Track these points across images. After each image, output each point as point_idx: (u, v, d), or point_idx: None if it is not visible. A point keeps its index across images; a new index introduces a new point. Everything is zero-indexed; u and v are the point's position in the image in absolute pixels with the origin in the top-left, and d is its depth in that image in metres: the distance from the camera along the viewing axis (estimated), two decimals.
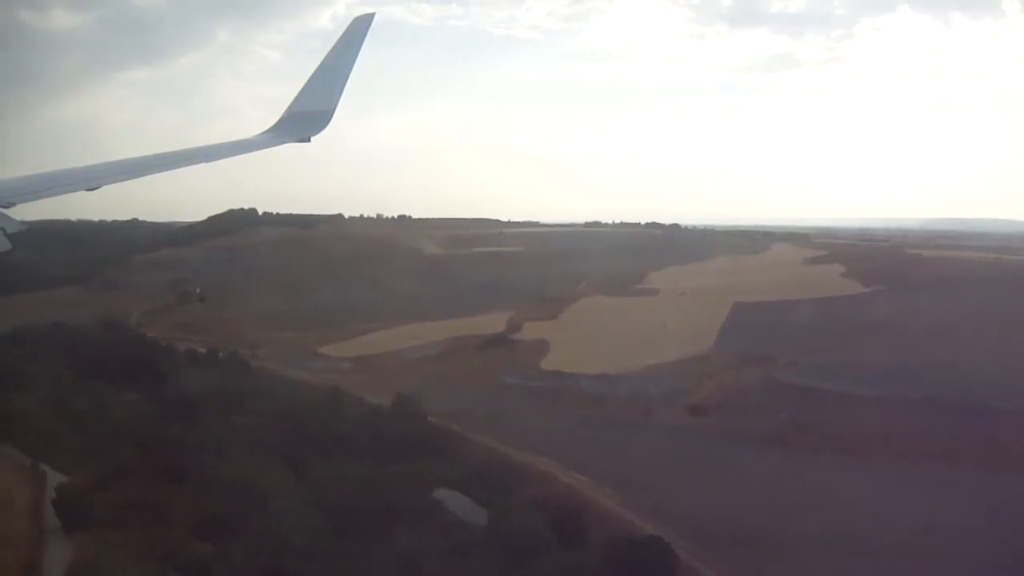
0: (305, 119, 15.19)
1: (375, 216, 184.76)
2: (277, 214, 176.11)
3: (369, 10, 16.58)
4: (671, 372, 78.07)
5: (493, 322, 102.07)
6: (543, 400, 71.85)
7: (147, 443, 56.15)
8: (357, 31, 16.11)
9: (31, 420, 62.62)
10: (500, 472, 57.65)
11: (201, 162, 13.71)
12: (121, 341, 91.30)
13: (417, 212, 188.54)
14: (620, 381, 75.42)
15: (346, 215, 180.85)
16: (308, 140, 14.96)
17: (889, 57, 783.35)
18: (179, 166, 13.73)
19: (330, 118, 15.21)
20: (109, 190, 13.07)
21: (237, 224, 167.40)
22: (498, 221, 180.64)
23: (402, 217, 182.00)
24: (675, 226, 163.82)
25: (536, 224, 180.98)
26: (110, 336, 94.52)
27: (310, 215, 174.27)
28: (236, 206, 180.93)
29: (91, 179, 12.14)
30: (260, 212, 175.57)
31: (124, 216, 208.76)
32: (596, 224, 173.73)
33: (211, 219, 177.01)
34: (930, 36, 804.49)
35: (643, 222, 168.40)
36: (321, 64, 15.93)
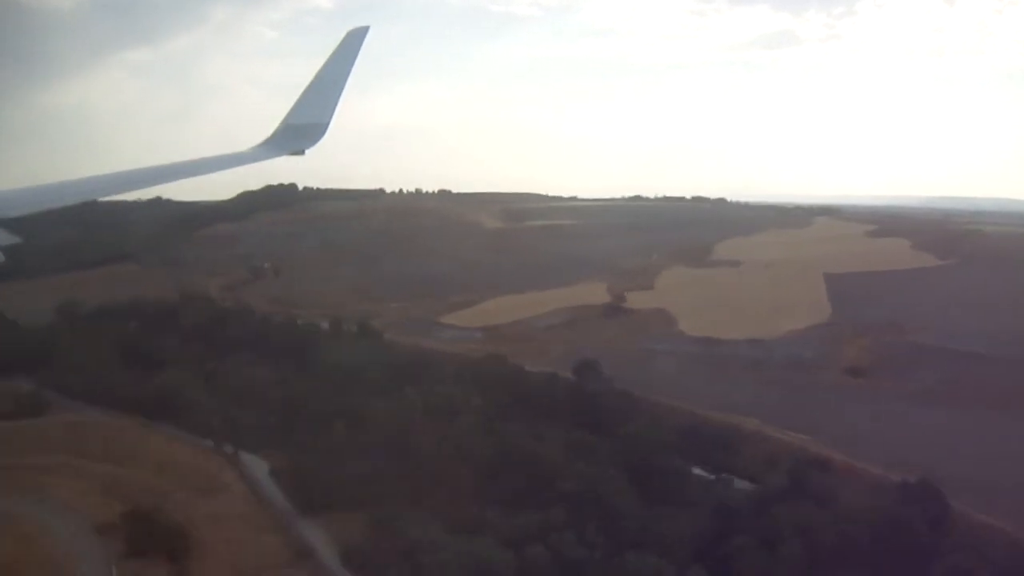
0: (300, 132, 15.16)
1: (413, 191, 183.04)
2: (318, 188, 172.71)
3: None
4: (811, 337, 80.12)
5: (592, 292, 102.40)
6: (700, 364, 73.07)
7: (346, 418, 55.41)
8: (351, 45, 16.05)
9: (191, 398, 61.53)
10: (714, 433, 58.80)
11: (196, 175, 13.66)
12: (236, 315, 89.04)
13: (457, 187, 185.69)
14: (772, 346, 77.43)
15: (387, 190, 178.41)
16: (303, 153, 14.93)
17: (890, 34, 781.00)
18: (174, 179, 13.78)
19: (325, 130, 15.14)
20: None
21: (282, 199, 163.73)
22: (540, 195, 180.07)
23: (443, 191, 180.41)
24: (721, 200, 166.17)
25: (576, 199, 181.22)
26: (225, 310, 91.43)
27: (352, 189, 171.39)
28: (274, 182, 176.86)
29: (84, 192, 12.27)
30: (300, 187, 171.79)
31: (147, 196, 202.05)
32: (638, 198, 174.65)
33: (247, 194, 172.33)
34: (932, 14, 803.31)
35: (688, 196, 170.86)
36: (316, 77, 15.87)
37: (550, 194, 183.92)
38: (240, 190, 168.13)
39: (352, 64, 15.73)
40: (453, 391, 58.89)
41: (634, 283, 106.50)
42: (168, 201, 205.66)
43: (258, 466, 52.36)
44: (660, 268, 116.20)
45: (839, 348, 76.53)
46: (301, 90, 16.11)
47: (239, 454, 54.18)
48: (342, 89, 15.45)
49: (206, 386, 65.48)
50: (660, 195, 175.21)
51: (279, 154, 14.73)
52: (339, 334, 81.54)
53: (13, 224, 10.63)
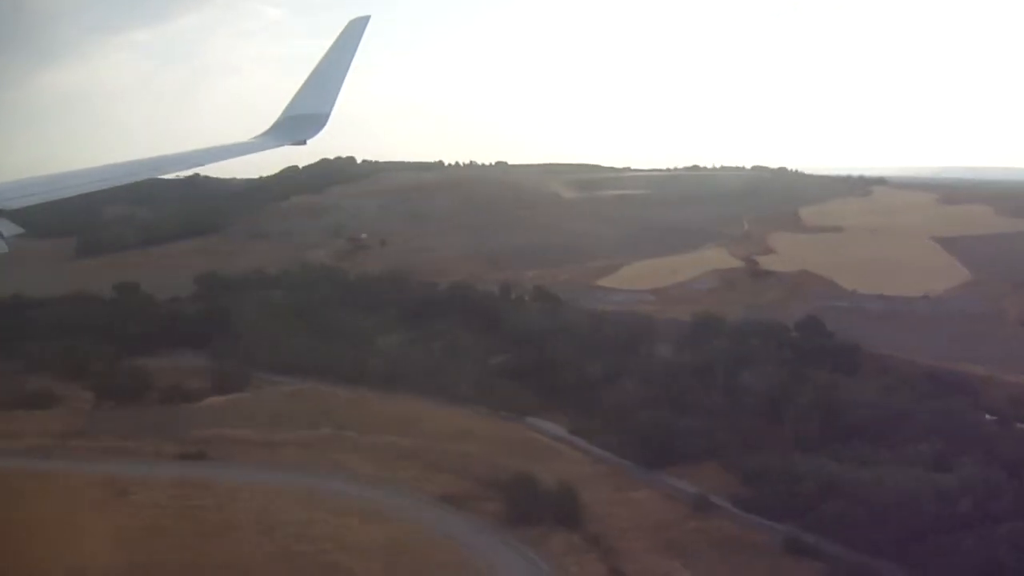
0: (301, 122, 15.12)
1: (468, 162, 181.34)
2: (376, 162, 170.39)
3: None
4: (972, 294, 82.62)
5: (718, 257, 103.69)
6: (890, 320, 74.97)
7: (606, 375, 54.95)
8: (352, 34, 16.07)
9: (424, 365, 59.96)
10: (955, 381, 60.89)
11: (199, 165, 14.03)
12: (394, 282, 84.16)
13: (513, 159, 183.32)
14: (941, 302, 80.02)
15: (445, 162, 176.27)
16: (304, 143, 14.92)
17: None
18: (176, 170, 14.06)
19: (326, 121, 15.10)
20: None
21: (344, 172, 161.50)
22: (594, 166, 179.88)
23: (499, 163, 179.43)
24: (783, 169, 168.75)
25: (630, 169, 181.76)
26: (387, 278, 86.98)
27: (410, 162, 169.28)
28: (329, 156, 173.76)
29: (87, 183, 12.20)
30: (359, 160, 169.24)
31: (184, 175, 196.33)
32: (696, 168, 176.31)
33: (306, 168, 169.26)
34: None
35: (747, 166, 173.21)
36: (316, 67, 15.85)
37: (603, 164, 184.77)
38: (284, 166, 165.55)
39: (353, 54, 15.75)
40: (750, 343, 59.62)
41: (752, 248, 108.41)
42: (206, 179, 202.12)
43: (550, 429, 51.25)
44: (763, 234, 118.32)
45: (1001, 303, 79.83)
46: (306, 69, 16.14)
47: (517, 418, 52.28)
48: (343, 79, 15.49)
49: (423, 352, 65.00)
50: (718, 165, 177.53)
51: (280, 144, 14.79)
52: (520, 299, 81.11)
53: (15, 214, 10.76)
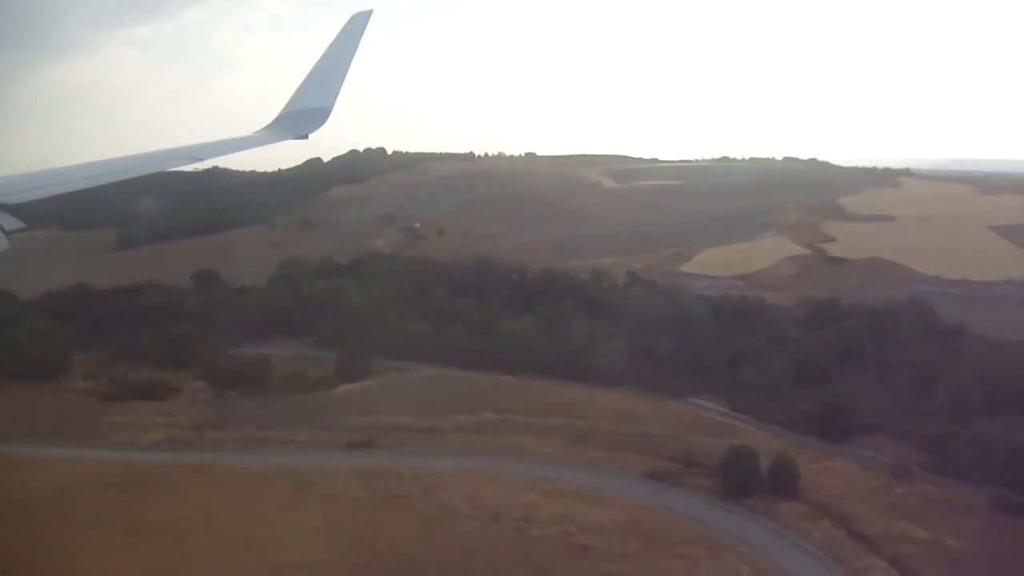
0: (303, 116, 15.09)
1: (496, 154, 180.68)
2: (407, 152, 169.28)
3: None
4: None
5: (785, 245, 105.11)
6: (980, 302, 76.50)
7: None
8: (355, 28, 16.03)
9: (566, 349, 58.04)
10: None
11: (201, 160, 13.81)
12: (487, 268, 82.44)
13: (541, 149, 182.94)
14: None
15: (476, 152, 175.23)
16: (306, 137, 14.81)
17: None
18: (177, 164, 13.90)
19: (328, 115, 15.05)
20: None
21: (377, 163, 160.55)
22: (625, 157, 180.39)
23: (528, 154, 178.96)
24: (813, 160, 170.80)
25: (657, 161, 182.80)
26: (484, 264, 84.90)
27: (442, 153, 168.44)
28: (358, 148, 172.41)
29: (88, 178, 12.20)
30: (389, 152, 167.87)
31: (203, 167, 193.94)
32: (726, 159, 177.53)
33: (336, 159, 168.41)
34: None
35: (778, 156, 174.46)
36: (319, 62, 15.85)
37: (631, 155, 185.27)
38: (305, 158, 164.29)
39: (356, 48, 15.66)
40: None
41: (811, 237, 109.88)
42: (226, 171, 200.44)
43: (712, 407, 50.59)
44: (815, 223, 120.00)
45: None
46: (310, 62, 16.10)
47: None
48: (345, 73, 15.42)
49: (546, 337, 61.41)
50: (746, 156, 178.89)
51: (283, 138, 14.63)
52: (613, 285, 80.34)
53: (16, 209, 10.67)
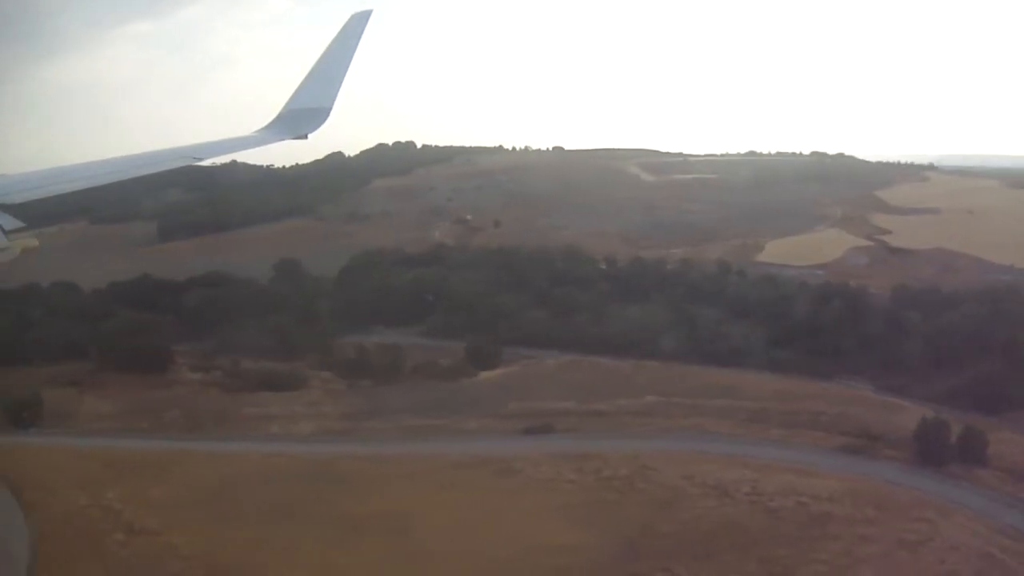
0: (303, 116, 15.20)
1: (524, 147, 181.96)
2: (436, 146, 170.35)
3: None
4: None
5: (843, 236, 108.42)
6: None
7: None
8: (354, 28, 16.14)
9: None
10: None
11: (198, 160, 13.99)
12: (579, 260, 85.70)
13: (568, 143, 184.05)
14: None
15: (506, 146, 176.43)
16: (305, 137, 14.96)
17: None
18: (176, 164, 13.98)
19: (327, 115, 15.16)
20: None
21: (410, 157, 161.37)
22: (650, 151, 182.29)
23: (556, 148, 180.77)
24: (841, 155, 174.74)
25: (683, 154, 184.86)
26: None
27: (469, 147, 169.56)
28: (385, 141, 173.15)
29: (87, 178, 12.33)
30: (419, 145, 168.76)
31: (221, 161, 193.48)
32: (753, 154, 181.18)
33: (364, 152, 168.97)
34: None
35: (805, 152, 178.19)
36: (318, 61, 15.96)
37: (658, 149, 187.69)
38: (324, 152, 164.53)
39: (355, 48, 15.78)
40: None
41: (865, 228, 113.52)
42: (244, 165, 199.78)
43: (863, 386, 53.03)
44: (862, 215, 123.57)
45: None
46: (309, 60, 16.28)
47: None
48: (345, 73, 15.55)
49: (669, 322, 63.59)
50: (774, 151, 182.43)
51: (282, 138, 14.79)
52: (711, 273, 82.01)
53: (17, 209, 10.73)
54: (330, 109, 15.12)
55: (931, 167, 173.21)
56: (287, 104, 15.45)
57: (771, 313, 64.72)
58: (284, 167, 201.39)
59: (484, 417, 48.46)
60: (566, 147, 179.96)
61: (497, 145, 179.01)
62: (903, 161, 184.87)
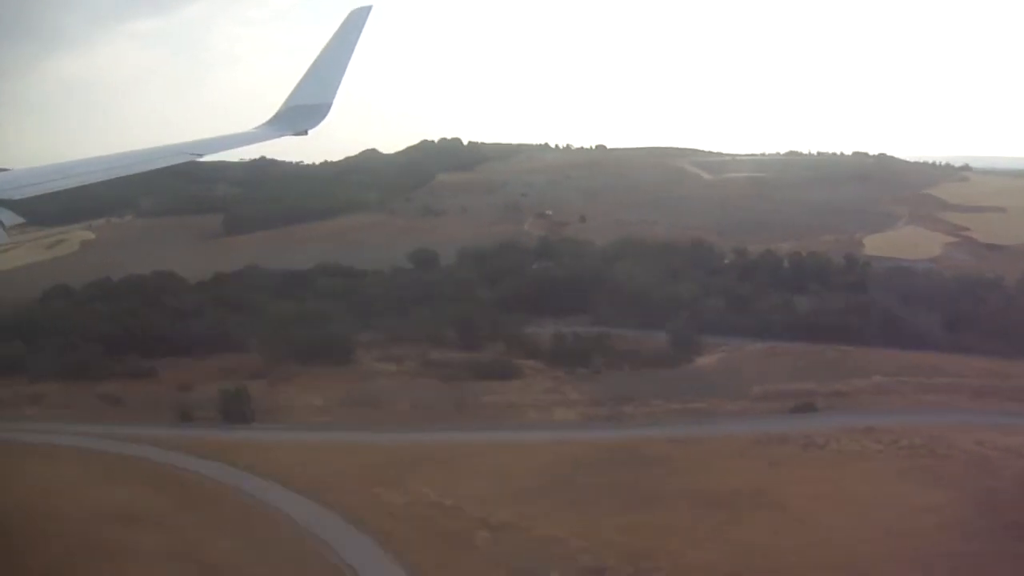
0: (303, 112, 15.41)
1: (564, 146, 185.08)
2: (481, 143, 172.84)
3: None
4: None
5: (923, 233, 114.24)
6: None
7: None
8: (354, 24, 16.31)
9: None
10: None
11: (199, 156, 14.30)
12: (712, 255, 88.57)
13: (612, 142, 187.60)
14: None
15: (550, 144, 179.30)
16: (305, 133, 15.21)
17: None
18: (177, 160, 14.30)
19: (327, 111, 15.38)
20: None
21: (466, 153, 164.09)
22: (694, 150, 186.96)
23: (599, 146, 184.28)
24: (883, 155, 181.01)
25: (721, 154, 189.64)
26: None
27: (515, 144, 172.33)
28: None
29: (87, 173, 12.56)
30: (465, 142, 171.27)
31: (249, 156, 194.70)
32: (794, 154, 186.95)
33: (413, 148, 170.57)
34: None
35: (848, 152, 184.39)
36: (318, 57, 16.18)
37: (700, 148, 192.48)
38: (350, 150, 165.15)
39: (355, 44, 16.00)
40: None
41: (940, 225, 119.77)
42: (272, 161, 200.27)
43: None
44: (928, 213, 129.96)
45: None
46: (310, 58, 16.62)
47: None
48: (344, 69, 15.81)
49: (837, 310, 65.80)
50: (815, 151, 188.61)
51: (282, 134, 15.10)
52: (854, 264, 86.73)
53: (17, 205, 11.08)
54: (330, 105, 15.28)
55: (966, 167, 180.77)
56: (287, 100, 15.70)
57: (937, 300, 68.84)
58: (314, 164, 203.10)
59: (737, 400, 50.91)
60: (608, 145, 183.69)
61: (543, 143, 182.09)
62: (937, 161, 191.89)
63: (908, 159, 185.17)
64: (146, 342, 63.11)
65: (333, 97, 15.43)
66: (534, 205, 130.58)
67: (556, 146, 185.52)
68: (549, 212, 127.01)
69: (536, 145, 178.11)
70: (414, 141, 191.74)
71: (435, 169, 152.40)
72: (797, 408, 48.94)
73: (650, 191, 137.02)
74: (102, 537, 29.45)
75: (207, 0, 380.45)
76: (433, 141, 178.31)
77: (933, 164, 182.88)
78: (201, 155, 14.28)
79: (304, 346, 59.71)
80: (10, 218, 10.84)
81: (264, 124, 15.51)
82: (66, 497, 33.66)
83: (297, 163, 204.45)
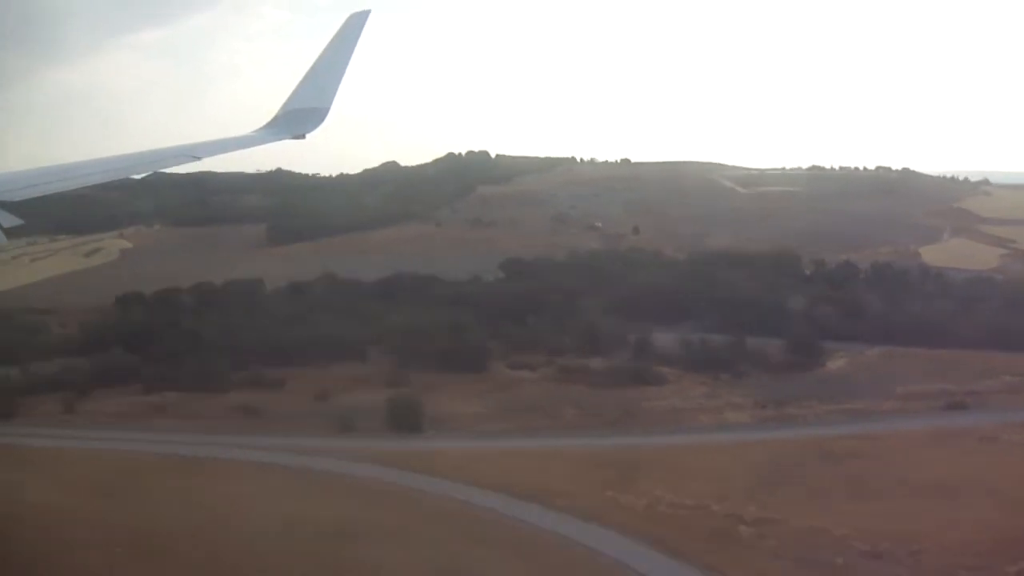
0: (300, 116, 15.59)
1: (588, 159, 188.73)
2: (510, 156, 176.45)
3: None
4: None
5: (972, 245, 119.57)
6: None
7: None
8: (352, 29, 16.57)
9: None
10: None
11: (197, 158, 14.24)
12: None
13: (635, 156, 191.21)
14: None
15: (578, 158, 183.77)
16: (303, 137, 15.36)
17: None
18: (175, 163, 14.54)
19: (325, 115, 15.58)
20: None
21: (487, 165, 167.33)
22: (716, 164, 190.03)
23: (624, 160, 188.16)
24: (906, 170, 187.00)
25: (740, 168, 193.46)
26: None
27: (543, 157, 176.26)
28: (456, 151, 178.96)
29: (85, 176, 12.66)
30: (493, 155, 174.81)
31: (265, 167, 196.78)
32: (817, 168, 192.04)
33: (440, 161, 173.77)
34: None
35: (872, 167, 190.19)
36: (316, 61, 16.41)
37: (723, 163, 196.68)
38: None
39: (353, 48, 16.22)
40: None
41: (985, 238, 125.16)
42: (288, 172, 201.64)
43: None
44: (969, 226, 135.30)
45: None
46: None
47: None
48: (343, 73, 16.00)
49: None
50: (837, 166, 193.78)
51: (280, 138, 15.29)
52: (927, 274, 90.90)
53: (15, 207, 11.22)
54: (328, 109, 15.54)
55: (986, 182, 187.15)
56: (285, 104, 15.93)
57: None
58: (330, 176, 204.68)
59: (888, 399, 54.04)
60: (631, 159, 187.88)
61: (570, 156, 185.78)
62: (955, 175, 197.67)
63: (928, 173, 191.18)
64: (266, 350, 63.70)
65: (331, 101, 15.65)
66: (581, 217, 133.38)
67: (582, 159, 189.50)
68: (599, 224, 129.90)
69: (565, 158, 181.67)
70: (435, 153, 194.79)
71: (470, 181, 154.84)
72: (950, 406, 52.28)
73: (692, 204, 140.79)
74: (346, 556, 29.24)
75: (209, 13, 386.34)
76: (460, 154, 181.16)
77: (952, 178, 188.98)
78: (200, 157, 14.20)
79: (438, 354, 61.04)
80: (8, 220, 10.79)
81: (262, 128, 15.67)
82: (275, 513, 33.44)
83: (313, 175, 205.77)
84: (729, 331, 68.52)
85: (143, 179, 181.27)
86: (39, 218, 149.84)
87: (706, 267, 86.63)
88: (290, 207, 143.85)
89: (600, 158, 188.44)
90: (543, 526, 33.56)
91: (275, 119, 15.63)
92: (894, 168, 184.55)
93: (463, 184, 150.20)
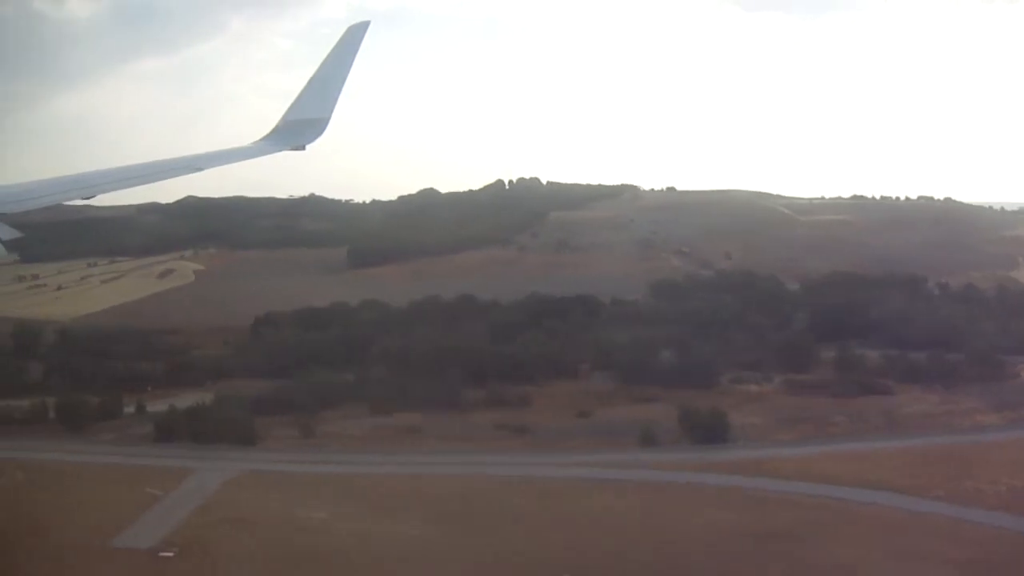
0: (300, 127, 16.06)
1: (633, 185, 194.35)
2: (558, 183, 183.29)
3: None
4: None
5: None
6: None
7: None
8: (351, 40, 17.08)
9: None
10: None
11: (198, 169, 14.74)
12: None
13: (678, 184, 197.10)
14: None
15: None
16: (303, 148, 15.77)
17: None
18: (174, 175, 15.01)
19: (325, 126, 16.08)
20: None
21: (549, 192, 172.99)
22: (763, 193, 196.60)
23: (670, 188, 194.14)
24: (949, 200, 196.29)
25: (782, 197, 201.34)
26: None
27: (600, 185, 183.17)
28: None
29: (86, 188, 13.05)
30: (544, 181, 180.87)
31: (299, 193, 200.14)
32: (859, 198, 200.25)
33: (488, 188, 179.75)
34: None
35: (914, 196, 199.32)
36: (316, 73, 16.86)
37: (771, 192, 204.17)
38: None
39: (352, 60, 16.69)
40: None
41: None
42: (323, 198, 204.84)
43: None
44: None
45: None
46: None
47: None
48: (342, 85, 16.44)
49: None
50: (879, 196, 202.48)
51: (280, 149, 15.62)
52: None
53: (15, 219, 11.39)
54: (328, 120, 16.01)
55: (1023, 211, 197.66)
56: (285, 115, 16.42)
57: None
58: (364, 203, 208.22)
59: None
60: (677, 187, 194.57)
61: (622, 183, 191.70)
62: (992, 205, 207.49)
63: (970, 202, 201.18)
64: (502, 369, 67.23)
65: (331, 112, 16.09)
66: (663, 243, 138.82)
67: (643, 188, 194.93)
68: (686, 249, 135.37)
69: (629, 185, 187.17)
70: (474, 180, 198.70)
71: (537, 207, 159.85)
72: None
73: (763, 231, 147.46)
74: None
75: (213, 42, 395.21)
76: (511, 180, 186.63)
77: (990, 207, 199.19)
78: (202, 168, 14.70)
79: (665, 370, 65.30)
80: (8, 232, 11.05)
81: (262, 139, 16.09)
82: (702, 523, 38.26)
83: (347, 201, 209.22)
84: (891, 346, 73.68)
85: (177, 203, 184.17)
86: (77, 241, 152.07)
87: (844, 289, 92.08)
88: (360, 231, 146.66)
89: (646, 186, 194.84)
90: (949, 515, 38.55)
91: (276, 129, 16.13)
92: (936, 198, 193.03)
93: (529, 210, 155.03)
